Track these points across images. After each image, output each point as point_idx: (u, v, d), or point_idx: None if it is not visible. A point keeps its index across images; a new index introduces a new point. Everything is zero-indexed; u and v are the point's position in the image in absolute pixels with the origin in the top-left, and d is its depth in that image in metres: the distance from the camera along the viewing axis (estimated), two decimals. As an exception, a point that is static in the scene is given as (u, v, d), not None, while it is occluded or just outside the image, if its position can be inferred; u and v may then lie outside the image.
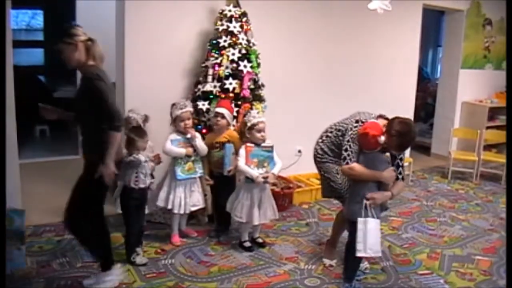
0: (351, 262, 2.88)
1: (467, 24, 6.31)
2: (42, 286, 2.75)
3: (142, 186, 3.06)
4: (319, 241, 3.65)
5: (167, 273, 3.04)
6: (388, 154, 2.86)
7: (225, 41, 3.73)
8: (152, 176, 3.17)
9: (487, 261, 3.45)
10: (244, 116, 3.53)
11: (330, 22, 4.93)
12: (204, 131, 3.65)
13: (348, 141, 2.81)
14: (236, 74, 3.72)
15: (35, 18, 8.28)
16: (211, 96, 3.69)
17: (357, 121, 2.85)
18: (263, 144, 3.34)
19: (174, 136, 3.35)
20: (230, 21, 3.77)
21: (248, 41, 3.82)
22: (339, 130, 2.98)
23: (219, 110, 3.43)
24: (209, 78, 3.73)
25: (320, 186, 3.31)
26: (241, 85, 3.71)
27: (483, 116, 6.30)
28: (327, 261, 3.27)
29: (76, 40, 2.51)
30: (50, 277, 2.84)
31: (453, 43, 6.44)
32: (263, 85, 3.94)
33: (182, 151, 3.33)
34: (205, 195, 3.55)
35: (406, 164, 4.58)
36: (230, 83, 3.68)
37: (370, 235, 2.67)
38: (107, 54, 4.37)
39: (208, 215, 3.80)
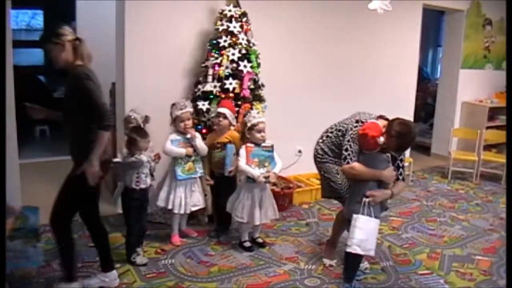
0: (351, 262, 2.88)
1: (467, 24, 6.31)
2: (42, 286, 2.75)
3: (143, 186, 3.06)
4: (319, 241, 3.65)
5: (167, 273, 3.04)
6: (388, 154, 2.86)
7: (225, 41, 3.73)
8: (152, 176, 3.17)
9: (487, 261, 3.45)
10: (244, 116, 3.53)
11: (330, 22, 4.93)
12: (204, 131, 3.65)
13: (348, 140, 2.81)
14: (236, 74, 3.72)
15: (35, 18, 8.29)
16: (211, 96, 3.69)
17: (357, 121, 2.85)
18: (263, 144, 3.34)
19: (174, 136, 3.35)
20: (230, 21, 3.77)
21: (248, 41, 3.82)
22: (339, 130, 2.98)
23: (221, 110, 3.42)
24: (209, 78, 3.73)
25: (320, 186, 3.31)
26: (241, 85, 3.71)
27: (483, 116, 6.30)
28: (327, 261, 3.27)
29: (63, 40, 2.49)
30: (50, 277, 2.84)
31: (453, 43, 6.44)
32: (263, 85, 3.94)
33: (182, 151, 3.33)
34: (205, 195, 3.55)
35: (406, 164, 4.57)
36: (230, 83, 3.68)
37: (361, 232, 2.68)
38: (107, 54, 4.41)
39: (208, 215, 3.80)
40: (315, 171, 3.28)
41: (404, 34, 5.64)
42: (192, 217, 3.73)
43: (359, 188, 2.78)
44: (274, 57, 4.36)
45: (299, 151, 4.77)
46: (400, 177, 2.92)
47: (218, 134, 3.48)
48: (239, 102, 3.70)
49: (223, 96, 3.67)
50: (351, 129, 2.84)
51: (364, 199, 2.71)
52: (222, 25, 3.78)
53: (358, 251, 2.71)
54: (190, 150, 3.36)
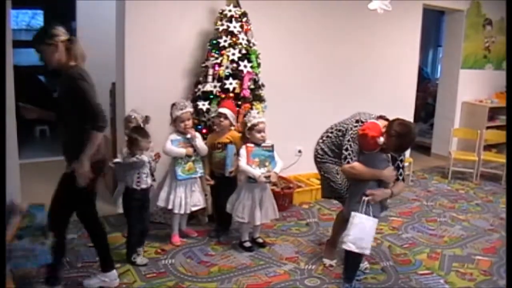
0: (351, 262, 2.88)
1: (467, 24, 6.31)
2: (42, 286, 2.74)
3: (144, 186, 3.06)
4: (319, 241, 3.65)
5: (167, 273, 3.04)
6: (388, 154, 2.86)
7: (225, 41, 3.73)
8: (153, 176, 3.16)
9: (487, 261, 3.45)
10: (244, 116, 3.53)
11: (330, 22, 4.93)
12: (204, 131, 3.65)
13: (348, 140, 2.81)
14: (236, 74, 3.71)
15: (35, 18, 8.29)
16: (211, 96, 3.69)
17: (357, 121, 2.85)
18: (263, 144, 3.34)
19: (174, 136, 3.35)
20: (230, 21, 3.77)
21: (248, 41, 3.82)
22: (339, 131, 2.98)
23: (222, 110, 3.42)
24: (209, 78, 3.73)
25: (320, 187, 3.31)
26: (241, 85, 3.71)
27: (483, 116, 6.30)
28: (327, 261, 3.27)
29: (56, 41, 2.46)
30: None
31: (453, 43, 6.44)
32: (263, 85, 3.94)
33: (182, 151, 3.33)
34: (205, 195, 3.55)
35: (406, 164, 4.57)
36: (230, 83, 3.68)
37: (357, 230, 2.68)
38: (107, 54, 4.42)
39: (208, 215, 3.80)
40: (315, 171, 3.28)
41: (404, 34, 5.64)
42: (192, 217, 3.73)
43: (359, 188, 2.78)
44: (274, 57, 4.36)
45: (299, 151, 4.77)
46: (400, 178, 2.92)
47: (218, 134, 3.48)
48: (239, 102, 3.70)
49: (223, 96, 3.67)
50: (351, 129, 2.84)
51: (363, 197, 2.71)
52: (222, 25, 3.78)
53: (353, 248, 2.72)
54: (190, 150, 3.36)
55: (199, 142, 3.38)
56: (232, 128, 3.52)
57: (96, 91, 2.50)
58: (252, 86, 3.80)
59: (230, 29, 3.74)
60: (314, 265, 3.26)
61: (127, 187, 3.05)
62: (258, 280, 3.02)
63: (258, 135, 3.31)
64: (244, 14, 3.85)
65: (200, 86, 3.77)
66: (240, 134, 3.47)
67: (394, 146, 2.68)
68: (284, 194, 4.27)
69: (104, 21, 4.86)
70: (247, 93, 3.72)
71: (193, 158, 3.39)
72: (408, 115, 5.75)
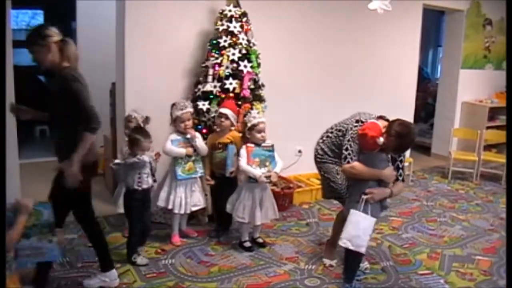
0: (351, 262, 2.88)
1: (467, 24, 6.31)
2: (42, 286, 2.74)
3: (145, 187, 3.06)
4: (319, 241, 3.65)
5: (167, 273, 3.04)
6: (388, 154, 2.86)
7: (225, 41, 3.73)
8: (154, 177, 3.16)
9: (487, 261, 3.45)
10: (244, 116, 3.53)
11: (330, 22, 4.93)
12: (204, 131, 3.65)
13: (348, 140, 2.81)
14: (236, 74, 3.71)
15: (35, 18, 8.28)
16: (211, 96, 3.69)
17: (357, 121, 2.85)
18: (263, 144, 3.34)
19: (174, 136, 3.35)
20: (230, 21, 3.77)
21: (248, 41, 3.82)
22: (339, 131, 2.98)
23: (223, 111, 3.41)
24: (209, 78, 3.72)
25: (320, 186, 3.31)
26: (241, 85, 3.71)
27: (483, 116, 6.30)
28: (327, 261, 3.27)
29: (49, 42, 2.43)
30: (50, 277, 2.84)
31: (453, 43, 6.44)
32: (263, 85, 3.94)
33: (182, 151, 3.33)
34: (205, 195, 3.55)
35: (406, 164, 4.58)
36: (230, 83, 3.68)
37: (354, 227, 2.69)
38: (107, 54, 4.42)
39: (208, 215, 3.80)
40: (315, 171, 3.28)
41: (404, 34, 5.64)
42: (192, 217, 3.73)
43: (359, 187, 2.78)
44: (274, 57, 4.36)
45: (299, 151, 4.77)
46: (400, 178, 2.91)
47: (219, 134, 3.48)
48: (239, 102, 3.70)
49: (223, 96, 3.67)
50: (351, 128, 2.84)
51: (362, 196, 2.71)
52: (222, 25, 3.78)
53: (348, 245, 2.72)
54: (190, 150, 3.36)
55: (199, 142, 3.38)
56: (233, 128, 3.51)
57: (90, 92, 2.48)
58: (252, 86, 3.80)
59: (230, 29, 3.74)
60: (314, 265, 3.26)
61: (128, 187, 3.05)
62: (258, 280, 3.02)
63: (258, 135, 3.31)
64: (244, 14, 3.85)
65: (200, 86, 3.77)
66: (240, 134, 3.47)
67: (394, 146, 2.68)
68: (284, 194, 4.27)
69: (104, 21, 4.87)
70: (247, 93, 3.72)
71: (193, 158, 3.39)
72: (408, 115, 5.75)
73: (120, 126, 3.87)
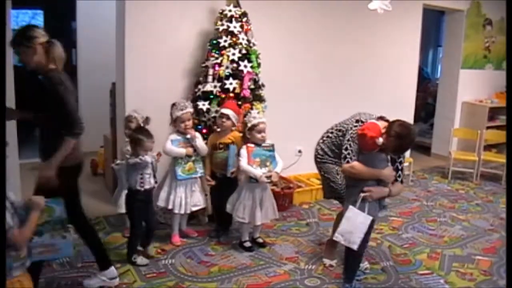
0: (351, 262, 2.88)
1: (467, 24, 6.31)
2: (42, 286, 2.75)
3: (147, 187, 3.05)
4: (319, 241, 3.65)
5: (167, 273, 3.04)
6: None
7: (225, 41, 3.73)
8: (155, 178, 3.15)
9: (487, 261, 3.45)
10: (245, 116, 3.53)
11: (330, 22, 4.93)
12: (204, 131, 3.65)
13: (348, 140, 2.81)
14: (236, 74, 3.71)
15: (35, 18, 8.27)
16: (211, 96, 3.69)
17: (357, 121, 2.85)
18: (264, 144, 3.34)
19: (174, 136, 3.35)
20: (230, 21, 3.76)
21: (248, 41, 3.81)
22: (339, 131, 2.98)
23: (224, 111, 3.41)
24: (209, 78, 3.72)
25: (320, 186, 3.31)
26: (241, 85, 3.71)
27: (483, 116, 6.30)
28: (327, 261, 3.27)
29: (35, 43, 2.40)
30: (50, 277, 2.84)
31: (453, 43, 6.44)
32: (263, 85, 3.94)
33: (182, 151, 3.33)
34: (205, 195, 3.55)
35: (406, 164, 4.58)
36: (231, 83, 3.68)
37: (348, 223, 2.70)
38: (107, 54, 4.42)
39: (208, 215, 3.80)
40: (315, 171, 3.28)
41: (404, 34, 5.64)
42: (193, 217, 3.73)
43: (358, 187, 2.78)
44: (274, 57, 4.36)
45: (299, 151, 4.77)
46: (399, 179, 2.91)
47: (220, 134, 3.48)
48: (239, 102, 3.70)
49: (223, 96, 3.67)
50: (351, 128, 2.83)
51: (360, 194, 2.71)
52: (222, 25, 3.77)
53: (341, 240, 2.74)
54: (190, 150, 3.36)
55: (199, 142, 3.38)
56: (234, 128, 3.51)
57: (76, 95, 2.48)
58: (252, 86, 3.80)
59: (230, 29, 3.74)
60: (314, 265, 3.26)
61: (131, 188, 3.05)
62: (258, 280, 3.02)
63: (259, 135, 3.30)
64: (244, 14, 3.85)
65: (200, 86, 3.77)
66: (241, 134, 3.47)
67: (393, 147, 2.67)
68: (284, 194, 4.27)
69: (104, 21, 4.88)
70: (247, 93, 3.72)
71: (193, 158, 3.39)
72: (408, 115, 5.76)
73: (120, 126, 3.87)
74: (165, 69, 3.93)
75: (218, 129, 3.50)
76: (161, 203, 3.38)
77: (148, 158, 2.98)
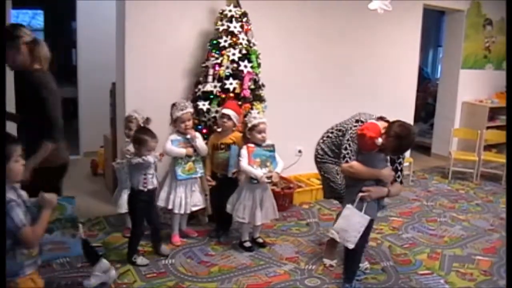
0: (351, 262, 2.88)
1: (467, 24, 6.31)
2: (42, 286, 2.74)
3: (150, 187, 3.05)
4: (319, 241, 3.65)
5: (168, 273, 3.04)
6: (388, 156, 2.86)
7: (225, 41, 3.73)
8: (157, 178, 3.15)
9: (487, 261, 3.45)
10: (245, 116, 3.53)
11: (330, 22, 4.93)
12: (204, 131, 3.64)
13: (348, 140, 2.81)
14: (237, 74, 3.71)
15: (35, 18, 8.28)
16: (212, 96, 3.69)
17: (357, 121, 2.85)
18: (264, 144, 3.34)
19: (175, 136, 3.35)
20: (231, 21, 3.76)
21: (248, 41, 3.81)
22: (339, 131, 2.98)
23: (225, 111, 3.40)
24: (210, 78, 3.72)
25: (320, 186, 3.31)
26: (241, 85, 3.71)
27: (484, 116, 6.30)
28: (327, 261, 3.27)
29: (19, 42, 2.37)
30: (50, 277, 2.84)
31: (454, 43, 6.44)
32: (263, 85, 3.94)
33: (182, 151, 3.33)
34: (205, 195, 3.55)
35: (406, 164, 4.58)
36: (231, 83, 3.68)
37: (344, 221, 2.71)
38: (107, 54, 4.42)
39: (208, 215, 3.79)
40: (316, 171, 3.28)
41: (404, 34, 5.64)
42: (193, 217, 3.73)
43: (357, 187, 2.77)
44: (274, 57, 4.36)
45: (299, 151, 4.77)
46: (398, 179, 2.91)
47: (222, 135, 3.47)
48: (240, 102, 3.70)
49: (223, 96, 3.67)
50: (351, 128, 2.84)
51: (359, 193, 2.71)
52: (222, 25, 3.77)
53: (336, 237, 2.75)
54: (190, 150, 3.36)
55: (199, 142, 3.38)
56: (235, 129, 3.50)
57: (59, 97, 2.44)
58: (252, 86, 3.80)
59: (230, 29, 3.74)
60: (314, 265, 3.26)
61: (133, 188, 3.05)
62: (258, 280, 3.02)
63: (259, 136, 3.30)
64: (244, 14, 3.84)
65: (200, 86, 3.77)
66: (241, 135, 3.47)
67: (393, 147, 2.67)
68: (284, 194, 4.26)
69: (104, 21, 4.87)
70: (247, 93, 3.72)
71: (193, 158, 3.39)
72: (408, 115, 5.76)
73: (120, 126, 3.87)
74: (165, 69, 3.93)
75: (219, 129, 3.50)
76: (161, 203, 3.38)
77: (150, 158, 2.98)
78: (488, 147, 6.30)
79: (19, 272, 1.95)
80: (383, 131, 2.68)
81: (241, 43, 3.75)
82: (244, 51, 3.75)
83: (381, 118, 2.85)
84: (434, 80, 8.21)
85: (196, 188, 3.45)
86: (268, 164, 3.31)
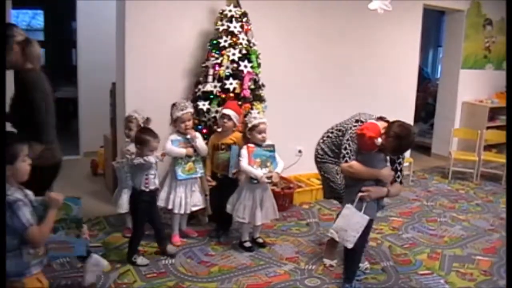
0: (351, 262, 2.88)
1: (467, 24, 6.31)
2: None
3: (152, 188, 3.06)
4: (319, 241, 3.65)
5: (168, 273, 3.04)
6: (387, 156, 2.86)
7: (225, 41, 3.73)
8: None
9: (487, 261, 3.45)
10: (245, 116, 3.53)
11: (330, 22, 4.93)
12: (204, 131, 3.64)
13: (347, 139, 2.81)
14: (237, 74, 3.71)
15: (35, 18, 8.28)
16: (212, 96, 3.69)
17: (357, 121, 2.85)
18: (264, 144, 3.34)
19: (175, 136, 3.35)
20: (231, 21, 3.76)
21: (248, 41, 3.81)
22: (339, 131, 2.98)
23: (226, 111, 3.40)
24: (210, 78, 3.72)
25: (320, 186, 3.31)
26: (241, 85, 3.70)
27: (484, 116, 6.30)
28: (327, 261, 3.27)
29: (11, 42, 2.36)
30: (50, 277, 2.82)
31: (454, 43, 6.44)
32: (263, 85, 3.94)
33: (182, 151, 3.32)
34: (205, 195, 3.54)
35: (406, 164, 4.57)
36: (231, 83, 3.68)
37: (343, 221, 2.72)
38: (108, 54, 4.42)
39: (208, 215, 3.79)
40: (316, 171, 3.28)
41: (404, 34, 5.64)
42: (193, 217, 3.73)
43: (356, 187, 2.77)
44: (274, 57, 4.36)
45: (299, 151, 4.77)
46: (398, 180, 2.91)
47: (222, 135, 3.47)
48: (240, 102, 3.70)
49: (223, 96, 3.67)
50: (351, 128, 2.84)
51: (359, 193, 2.71)
52: (222, 25, 3.77)
53: (335, 236, 2.76)
54: (191, 150, 3.36)
55: (200, 142, 3.38)
56: (235, 129, 3.50)
57: (52, 97, 2.43)
58: (252, 86, 3.80)
59: (230, 29, 3.74)
60: (314, 265, 3.26)
61: (135, 189, 3.05)
62: (258, 280, 3.02)
63: (259, 136, 3.30)
64: (244, 14, 3.84)
65: (200, 86, 3.77)
66: (241, 135, 3.47)
67: (392, 148, 2.67)
68: (284, 194, 4.26)
69: (104, 21, 4.87)
70: (247, 93, 3.72)
71: (193, 158, 3.39)
72: (409, 115, 5.76)
73: (120, 126, 3.87)
74: (165, 69, 3.93)
75: (219, 130, 3.50)
76: (161, 203, 3.38)
77: (152, 158, 2.98)
78: (488, 147, 6.30)
79: (25, 271, 1.95)
80: (382, 131, 2.68)
81: (241, 43, 3.75)
82: (244, 51, 3.75)
83: (381, 118, 2.85)
84: (434, 80, 8.21)
85: (196, 188, 3.45)
86: (268, 164, 3.31)
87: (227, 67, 3.69)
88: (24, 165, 1.95)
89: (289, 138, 4.52)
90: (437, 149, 6.69)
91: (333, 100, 4.97)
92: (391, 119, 2.79)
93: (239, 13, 3.81)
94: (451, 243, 3.77)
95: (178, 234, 3.49)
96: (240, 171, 3.37)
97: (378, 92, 5.37)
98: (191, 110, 3.40)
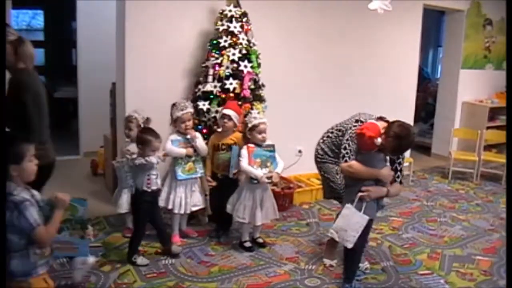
0: (351, 262, 2.88)
1: (467, 24, 6.31)
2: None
3: (154, 188, 3.05)
4: (319, 241, 3.65)
5: (168, 273, 3.04)
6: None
7: (225, 41, 3.73)
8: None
9: (487, 261, 3.45)
10: (245, 116, 3.53)
11: (330, 22, 4.93)
12: (204, 131, 3.64)
13: (347, 139, 2.81)
14: (237, 74, 3.71)
15: (35, 18, 8.29)
16: (212, 96, 3.69)
17: (357, 121, 2.85)
18: (264, 144, 3.33)
19: (175, 136, 3.35)
20: (231, 21, 3.76)
21: (248, 41, 3.81)
22: (339, 131, 2.98)
23: (226, 112, 3.39)
24: (210, 78, 3.72)
25: (320, 186, 3.31)
26: (241, 85, 3.71)
27: (484, 116, 6.30)
28: (327, 261, 3.27)
29: (4, 41, 2.37)
30: (50, 277, 2.83)
31: (454, 43, 6.44)
32: (263, 85, 3.94)
33: (182, 151, 3.32)
34: (205, 195, 3.54)
35: (406, 164, 4.57)
36: (231, 83, 3.68)
37: (343, 220, 2.72)
38: (108, 54, 4.42)
39: (208, 215, 3.79)
40: (316, 171, 3.28)
41: (404, 34, 5.64)
42: (193, 217, 3.73)
43: (356, 186, 2.77)
44: (274, 57, 4.36)
45: (299, 151, 4.77)
46: (398, 180, 2.91)
47: (222, 135, 3.47)
48: (240, 102, 3.70)
49: (223, 96, 3.67)
50: (351, 128, 2.84)
51: (358, 193, 2.71)
52: (222, 25, 3.77)
53: (335, 236, 2.76)
54: (191, 150, 3.36)
55: (200, 142, 3.38)
56: (235, 129, 3.50)
57: (44, 97, 2.42)
58: (252, 86, 3.80)
59: (230, 29, 3.74)
60: (314, 265, 3.26)
61: (137, 189, 3.04)
62: (258, 280, 3.02)
63: (259, 136, 3.30)
64: (244, 14, 3.85)
65: (200, 86, 3.77)
66: (242, 135, 3.47)
67: (392, 147, 2.67)
68: (284, 194, 4.26)
69: (104, 21, 4.87)
70: (247, 93, 3.72)
71: (193, 158, 3.39)
72: (409, 115, 5.76)
73: (120, 126, 3.87)
74: (165, 69, 3.93)
75: (219, 130, 3.50)
76: (161, 203, 3.37)
77: (153, 159, 2.97)
78: (488, 147, 6.30)
79: (32, 272, 1.96)
80: (382, 131, 2.68)
81: (241, 43, 3.75)
82: (244, 51, 3.75)
83: (381, 118, 2.85)
84: (434, 80, 8.21)
85: (196, 188, 3.45)
86: (268, 164, 3.31)
87: (227, 67, 3.70)
88: (30, 165, 1.95)
89: (289, 138, 4.52)
90: (437, 149, 6.69)
91: (333, 100, 4.97)
92: (391, 119, 2.79)
93: (239, 13, 3.81)
94: (451, 243, 3.77)
95: (178, 234, 3.49)
96: (240, 171, 3.37)
97: (378, 92, 5.37)
98: (191, 110, 3.39)
